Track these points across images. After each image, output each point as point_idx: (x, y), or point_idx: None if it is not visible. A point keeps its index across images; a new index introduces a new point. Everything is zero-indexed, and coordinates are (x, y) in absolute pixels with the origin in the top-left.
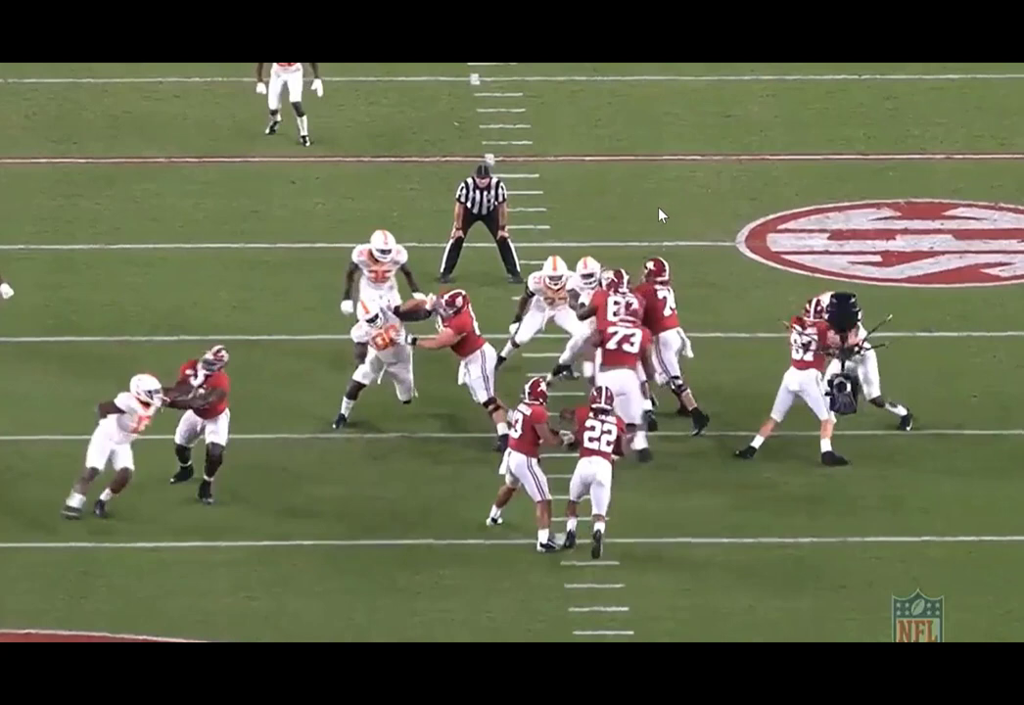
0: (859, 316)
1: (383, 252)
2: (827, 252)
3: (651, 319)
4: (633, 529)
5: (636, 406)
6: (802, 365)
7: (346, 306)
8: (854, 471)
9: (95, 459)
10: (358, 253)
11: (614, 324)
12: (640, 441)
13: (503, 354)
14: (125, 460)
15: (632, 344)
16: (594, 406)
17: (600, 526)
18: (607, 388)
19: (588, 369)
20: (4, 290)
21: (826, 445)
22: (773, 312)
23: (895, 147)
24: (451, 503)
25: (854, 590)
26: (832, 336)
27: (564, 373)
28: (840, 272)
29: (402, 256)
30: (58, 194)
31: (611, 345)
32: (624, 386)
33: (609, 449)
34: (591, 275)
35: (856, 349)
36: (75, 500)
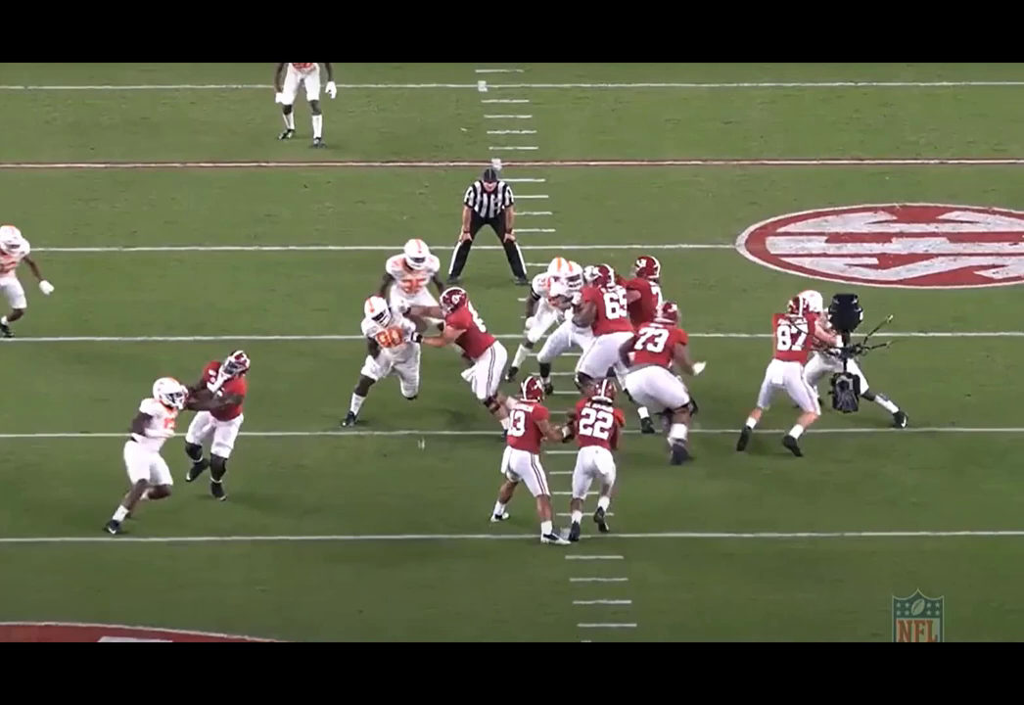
0: (861, 317)
1: (417, 260)
2: (825, 254)
3: (643, 313)
4: (635, 524)
5: (669, 395)
6: (786, 356)
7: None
8: (851, 467)
9: (139, 472)
10: (392, 263)
11: (646, 325)
12: (678, 431)
13: (516, 364)
14: (165, 476)
15: (656, 344)
16: (593, 398)
17: (604, 503)
18: (608, 382)
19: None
20: (45, 286)
21: (795, 431)
22: (772, 313)
23: (891, 152)
24: (459, 498)
25: (851, 583)
26: (822, 332)
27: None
28: (837, 274)
29: (435, 264)
30: (76, 198)
31: (637, 346)
32: (649, 381)
33: (603, 436)
34: (576, 278)
35: (858, 349)
36: (120, 515)
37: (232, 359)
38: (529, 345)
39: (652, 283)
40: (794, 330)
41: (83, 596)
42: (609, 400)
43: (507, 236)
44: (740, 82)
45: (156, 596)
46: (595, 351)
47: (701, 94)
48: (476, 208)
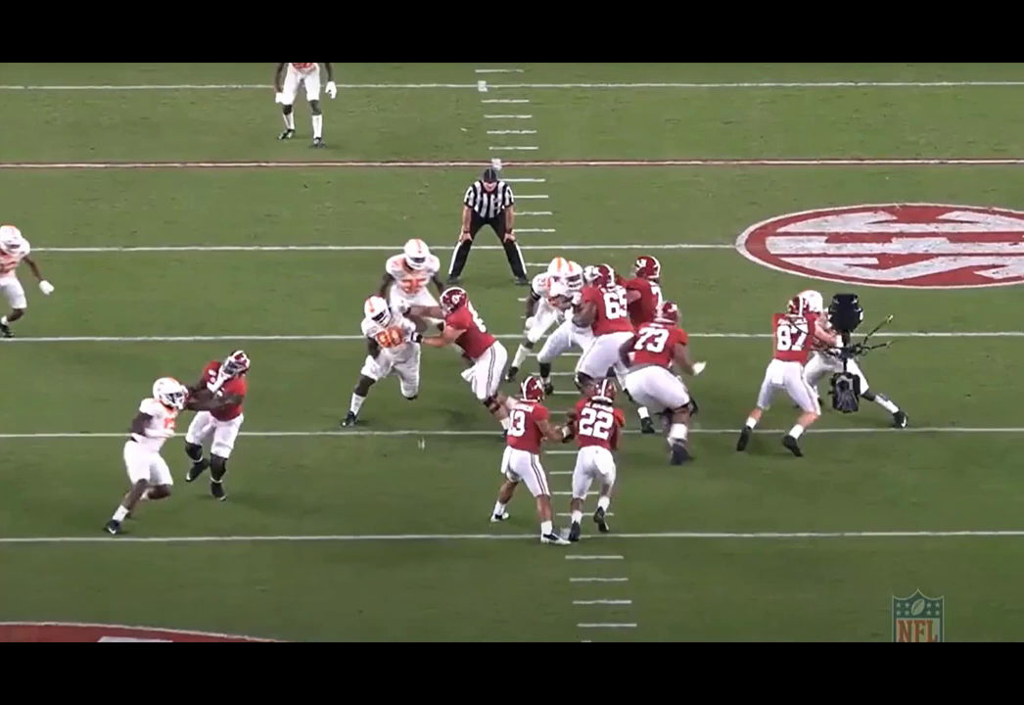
0: (861, 317)
1: (417, 260)
2: (825, 254)
3: (643, 313)
4: (635, 524)
5: (669, 395)
6: (786, 356)
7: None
8: (851, 467)
9: (139, 472)
10: (392, 263)
11: (646, 325)
12: (678, 431)
13: (516, 364)
14: (165, 477)
15: (656, 344)
16: (593, 398)
17: (604, 503)
18: (608, 382)
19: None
20: (44, 286)
21: (795, 431)
22: (772, 313)
23: (891, 152)
24: (459, 498)
25: (851, 583)
26: (822, 332)
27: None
28: (837, 274)
29: (435, 264)
30: (76, 198)
31: (637, 346)
32: (649, 381)
33: (603, 436)
34: (576, 278)
35: (858, 349)
36: (120, 515)
37: (232, 359)
38: (529, 345)
39: (652, 283)
40: (794, 330)
41: (83, 596)
42: (609, 400)
43: (507, 236)
44: (740, 82)
45: (156, 596)
46: (595, 351)
47: (701, 94)
48: (476, 208)
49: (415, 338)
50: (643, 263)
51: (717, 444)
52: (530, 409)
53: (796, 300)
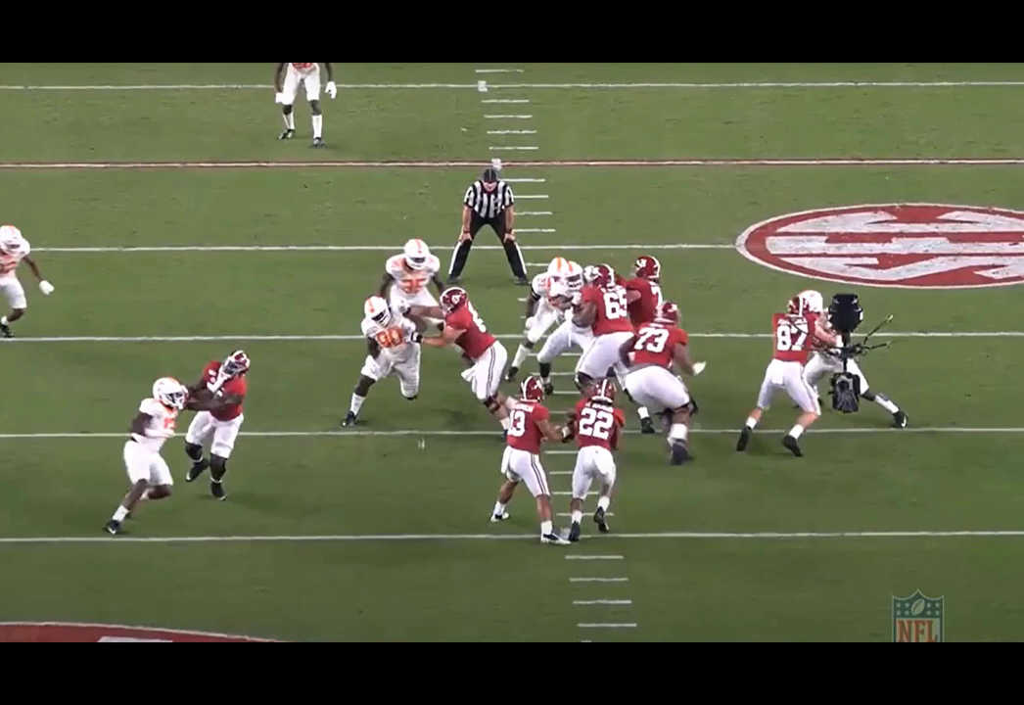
0: (861, 317)
1: (417, 260)
2: (825, 255)
3: (643, 313)
4: (635, 524)
5: (669, 395)
6: (786, 356)
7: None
8: (851, 467)
9: (139, 472)
10: (392, 263)
11: (646, 325)
12: (678, 431)
13: (516, 364)
14: (165, 477)
15: (656, 344)
16: (593, 398)
17: (604, 503)
18: (608, 382)
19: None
20: (44, 286)
21: (795, 431)
22: (772, 313)
23: (891, 152)
24: (459, 498)
25: (851, 583)
26: (822, 332)
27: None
28: (837, 274)
29: (435, 264)
30: (76, 198)
31: (637, 346)
32: (649, 381)
33: (603, 436)
34: (576, 278)
35: (858, 349)
36: (120, 515)
37: (232, 359)
38: (529, 345)
39: (652, 283)
40: (794, 330)
41: (83, 596)
42: (609, 400)
43: (507, 236)
44: (740, 82)
45: (156, 596)
46: (595, 351)
47: (701, 94)
48: (476, 208)
49: (415, 338)
50: (643, 263)
51: (717, 444)
52: (530, 409)
53: (796, 300)
